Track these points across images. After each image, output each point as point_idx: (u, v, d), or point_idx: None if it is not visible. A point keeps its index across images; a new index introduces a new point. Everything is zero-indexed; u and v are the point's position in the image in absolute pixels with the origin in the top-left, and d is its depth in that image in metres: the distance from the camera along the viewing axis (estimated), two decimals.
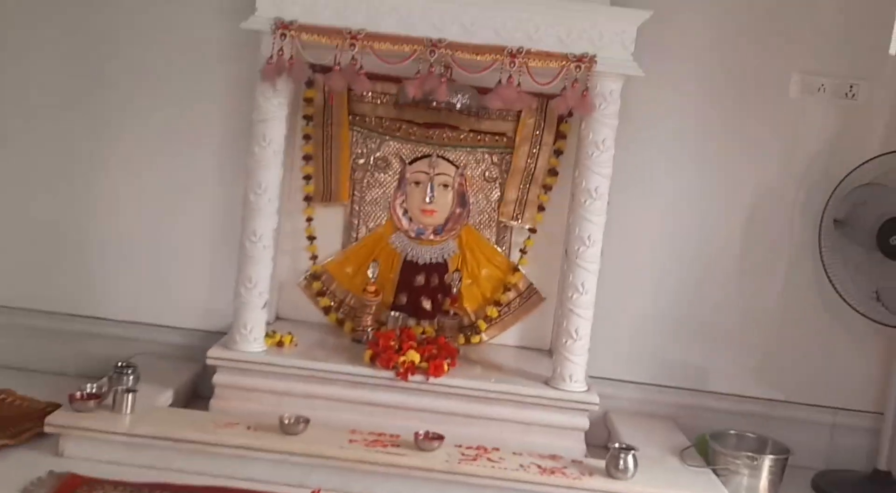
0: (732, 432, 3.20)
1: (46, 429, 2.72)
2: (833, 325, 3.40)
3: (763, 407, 3.41)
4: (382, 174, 3.39)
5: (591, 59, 2.88)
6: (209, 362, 3.03)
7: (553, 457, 2.83)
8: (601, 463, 2.80)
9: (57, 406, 2.83)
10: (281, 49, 2.87)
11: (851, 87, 3.33)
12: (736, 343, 3.44)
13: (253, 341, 3.03)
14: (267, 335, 3.10)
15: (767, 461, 3.01)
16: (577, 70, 2.88)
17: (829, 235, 3.23)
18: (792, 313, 3.43)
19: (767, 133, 3.37)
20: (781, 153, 3.38)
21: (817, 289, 3.37)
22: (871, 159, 3.20)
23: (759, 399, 3.43)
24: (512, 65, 2.85)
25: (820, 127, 3.36)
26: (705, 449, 3.09)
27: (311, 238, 3.40)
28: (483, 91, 2.99)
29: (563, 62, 2.88)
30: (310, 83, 3.27)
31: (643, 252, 3.41)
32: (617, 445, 2.82)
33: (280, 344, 3.11)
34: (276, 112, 2.95)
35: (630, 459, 2.76)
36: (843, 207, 3.21)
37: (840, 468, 3.34)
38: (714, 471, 2.97)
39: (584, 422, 3.03)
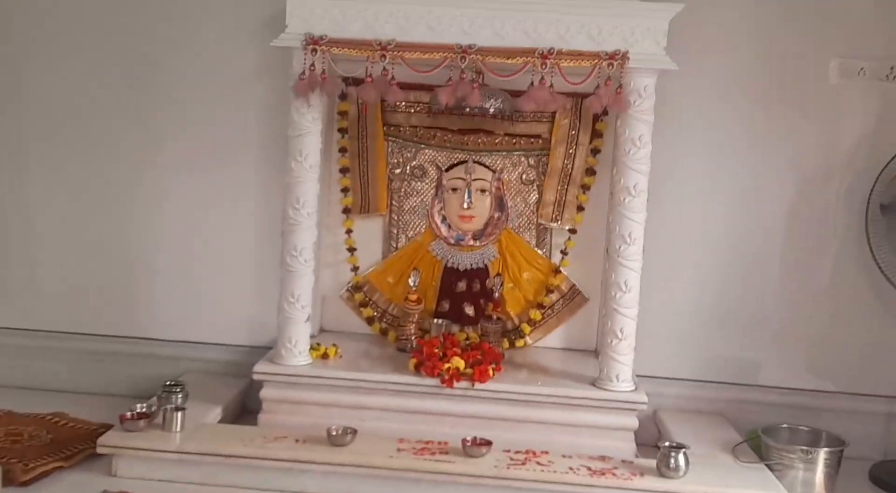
0: (785, 425, 3.11)
1: (99, 450, 2.72)
2: (884, 312, 3.30)
3: (815, 399, 3.32)
4: (419, 183, 3.37)
5: (624, 56, 2.82)
6: (256, 377, 3.03)
7: (603, 458, 2.78)
8: (652, 463, 2.73)
9: (108, 427, 2.83)
10: (312, 64, 2.85)
11: (893, 68, 3.23)
12: (784, 335, 3.35)
13: (298, 354, 3.02)
14: (312, 348, 3.08)
15: (823, 454, 2.92)
16: (610, 67, 2.82)
17: (875, 220, 3.13)
18: (841, 302, 3.33)
19: (808, 120, 3.27)
20: (823, 140, 3.28)
21: (866, 276, 3.27)
22: None
23: (810, 391, 3.33)
24: (544, 66, 2.80)
25: (862, 111, 3.26)
26: (758, 444, 3.00)
27: (352, 250, 3.39)
28: (516, 94, 2.93)
29: (596, 60, 2.82)
30: (343, 96, 3.26)
31: (685, 247, 3.33)
32: (667, 443, 2.76)
33: (325, 356, 3.10)
34: (310, 127, 2.94)
35: (681, 457, 2.69)
36: (889, 191, 3.11)
37: None
38: (768, 466, 2.88)
39: (633, 422, 2.98)
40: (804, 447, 2.94)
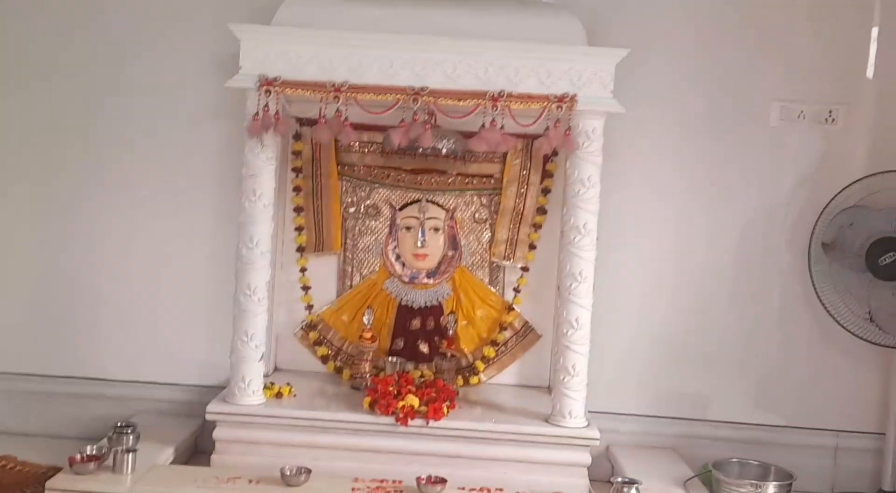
0: (735, 460, 3.17)
1: None
2: (830, 347, 3.38)
3: (764, 433, 3.38)
4: (373, 221, 3.40)
5: (572, 99, 2.89)
6: (209, 417, 3.01)
7: None
8: None
9: (58, 470, 2.79)
10: (266, 105, 2.87)
11: (830, 112, 3.35)
12: (733, 370, 3.41)
13: (252, 393, 3.01)
14: (265, 387, 3.08)
15: (771, 488, 2.98)
16: (559, 110, 2.89)
17: (818, 259, 3.22)
18: (788, 338, 3.41)
19: (751, 162, 3.38)
20: (766, 181, 3.38)
21: (811, 313, 3.35)
22: (855, 182, 3.21)
23: (759, 426, 3.40)
24: (494, 108, 2.87)
25: (802, 153, 3.37)
26: (709, 479, 3.05)
27: (306, 288, 3.40)
28: (468, 135, 2.99)
29: (545, 103, 2.89)
30: (297, 136, 3.30)
31: (636, 285, 3.40)
32: (620, 479, 2.80)
33: (279, 395, 3.09)
34: (264, 166, 2.96)
35: (633, 492, 2.72)
36: (829, 230, 3.21)
37: (845, 491, 3.30)
38: None
39: (585, 458, 2.99)
40: (753, 482, 2.99)
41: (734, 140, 3.37)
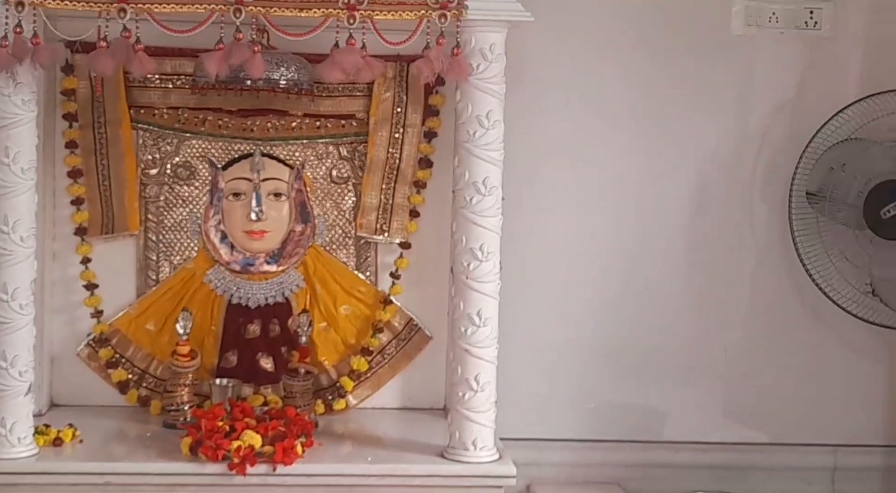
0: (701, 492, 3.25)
1: None
2: (821, 335, 3.49)
3: (740, 455, 3.47)
4: (186, 187, 3.38)
5: (460, 4, 2.88)
6: None
7: None
8: None
9: None
10: (18, 24, 2.78)
11: (812, 13, 3.42)
12: (695, 374, 3.49)
13: (17, 442, 2.93)
14: (37, 432, 3.01)
15: None
16: (442, 20, 2.88)
17: (801, 213, 3.30)
18: (765, 325, 3.49)
19: (708, 84, 3.44)
20: (729, 110, 3.45)
21: (795, 288, 3.45)
22: (847, 107, 3.29)
23: (733, 445, 3.49)
24: (351, 21, 2.84)
25: (777, 70, 3.45)
26: None
27: (92, 287, 3.35)
28: (316, 59, 2.97)
29: (422, 10, 2.88)
30: (68, 68, 3.25)
31: (557, 262, 3.44)
32: None
33: (58, 443, 3.03)
34: (20, 114, 2.86)
35: None
36: (816, 174, 3.28)
37: None
38: None
39: None
40: None
41: (685, 56, 3.42)
